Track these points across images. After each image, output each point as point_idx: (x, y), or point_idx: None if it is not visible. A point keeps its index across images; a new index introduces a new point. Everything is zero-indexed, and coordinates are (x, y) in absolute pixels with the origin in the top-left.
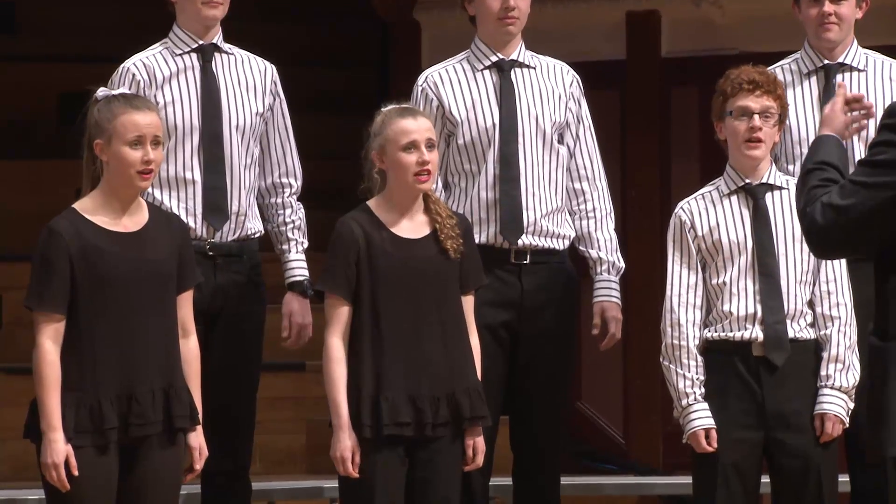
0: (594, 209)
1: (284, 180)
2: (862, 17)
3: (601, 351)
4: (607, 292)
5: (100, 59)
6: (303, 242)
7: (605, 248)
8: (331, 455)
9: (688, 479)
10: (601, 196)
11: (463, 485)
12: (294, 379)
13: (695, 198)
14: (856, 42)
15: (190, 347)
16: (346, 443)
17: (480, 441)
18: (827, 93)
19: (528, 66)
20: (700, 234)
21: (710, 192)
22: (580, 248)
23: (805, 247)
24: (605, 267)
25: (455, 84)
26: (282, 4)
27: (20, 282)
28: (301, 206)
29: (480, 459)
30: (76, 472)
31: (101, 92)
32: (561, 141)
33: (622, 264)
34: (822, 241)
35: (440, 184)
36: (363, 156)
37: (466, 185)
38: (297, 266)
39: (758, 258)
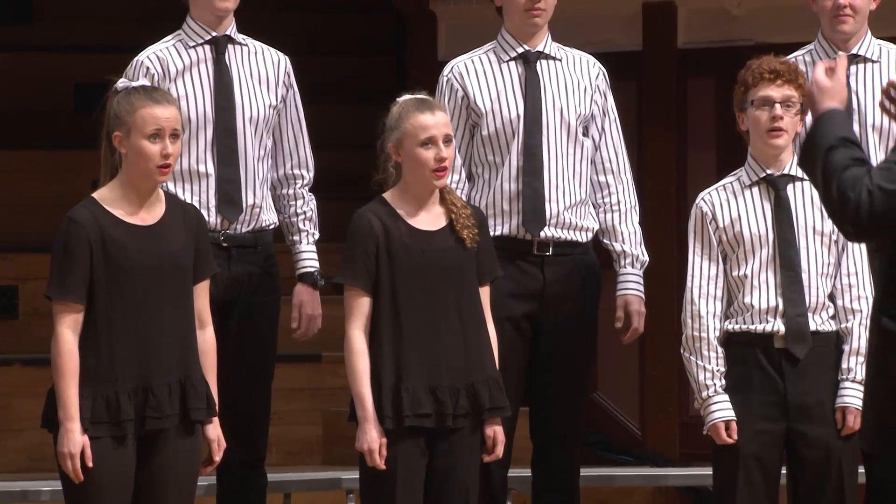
0: (619, 202)
1: (297, 171)
2: (876, 9)
3: (619, 342)
4: (631, 286)
5: (116, 49)
6: (314, 234)
7: (630, 242)
8: (357, 447)
9: (703, 471)
10: (626, 189)
11: (482, 475)
12: (310, 370)
13: (716, 189)
14: (869, 33)
15: (206, 338)
16: (372, 434)
17: (500, 431)
18: None
19: (554, 58)
20: (721, 225)
21: (731, 182)
22: (604, 240)
23: (825, 240)
24: (628, 260)
25: (480, 75)
26: None
27: (37, 272)
28: (313, 197)
29: (500, 450)
30: (90, 464)
31: (122, 83)
32: (586, 133)
33: (646, 258)
34: (874, 225)
35: (464, 174)
36: (378, 147)
37: (490, 176)
38: (308, 257)
39: (779, 251)
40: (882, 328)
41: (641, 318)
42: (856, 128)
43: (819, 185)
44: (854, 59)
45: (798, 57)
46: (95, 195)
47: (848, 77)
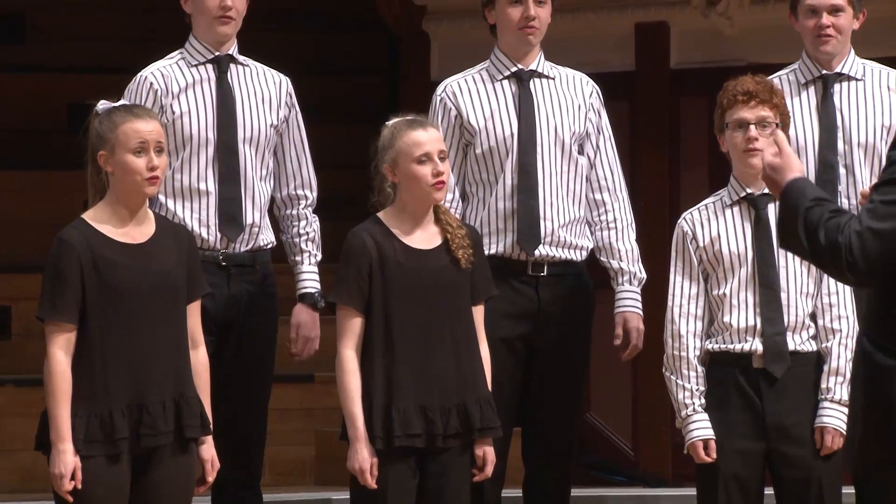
0: (616, 219)
1: (300, 192)
2: (859, 28)
3: (613, 361)
4: (629, 303)
5: (108, 70)
6: (316, 255)
7: (627, 259)
8: (348, 466)
9: (695, 491)
10: (622, 207)
11: (475, 496)
12: (303, 390)
13: (698, 208)
14: (853, 52)
15: (199, 359)
16: (363, 454)
17: (491, 451)
18: (825, 102)
19: (547, 77)
20: (702, 244)
21: (713, 202)
22: (601, 258)
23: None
24: (626, 277)
25: (474, 93)
26: (291, 14)
27: (29, 292)
28: (316, 218)
29: (490, 470)
30: (80, 486)
31: (102, 105)
32: (581, 151)
33: (644, 275)
34: (870, 267)
35: (457, 193)
36: (373, 169)
37: (484, 194)
38: (309, 278)
39: (758, 270)
40: (872, 359)
41: (640, 334)
42: (841, 146)
43: (805, 247)
44: (838, 77)
45: (783, 76)
46: (85, 216)
47: (832, 95)
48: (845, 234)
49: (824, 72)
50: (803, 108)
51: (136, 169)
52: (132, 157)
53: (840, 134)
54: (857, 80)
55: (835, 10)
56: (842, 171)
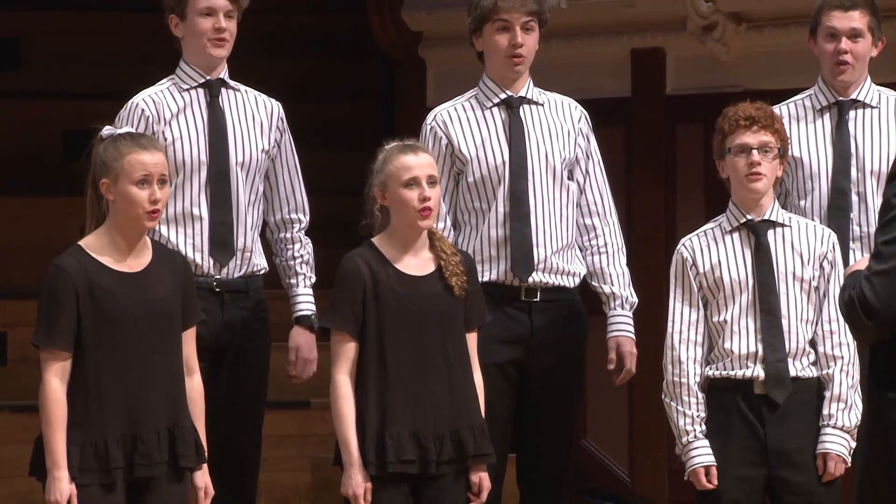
0: (606, 244)
1: (293, 216)
2: (877, 55)
3: (609, 387)
4: (622, 327)
5: (104, 96)
6: (311, 277)
7: (619, 283)
8: (342, 492)
9: None
10: (612, 231)
11: None
12: (298, 416)
13: (697, 235)
14: (869, 79)
15: (194, 386)
16: (357, 479)
17: (486, 478)
18: (840, 129)
19: (536, 103)
20: (702, 271)
21: (712, 228)
22: (593, 283)
23: (805, 286)
24: (618, 302)
25: (464, 122)
26: (287, 39)
27: (24, 319)
28: (309, 241)
29: (485, 497)
30: None
31: (107, 130)
32: (571, 177)
33: (635, 299)
34: (886, 309)
35: (449, 221)
36: (365, 192)
37: (477, 222)
38: (305, 300)
39: (759, 296)
40: (883, 398)
41: (633, 358)
42: (854, 173)
43: (844, 317)
44: (853, 104)
45: (798, 101)
46: (82, 243)
47: (847, 122)
48: (856, 287)
49: (840, 98)
50: (818, 135)
51: (139, 201)
52: (135, 189)
53: (854, 161)
54: (872, 107)
55: (854, 35)
56: (854, 198)
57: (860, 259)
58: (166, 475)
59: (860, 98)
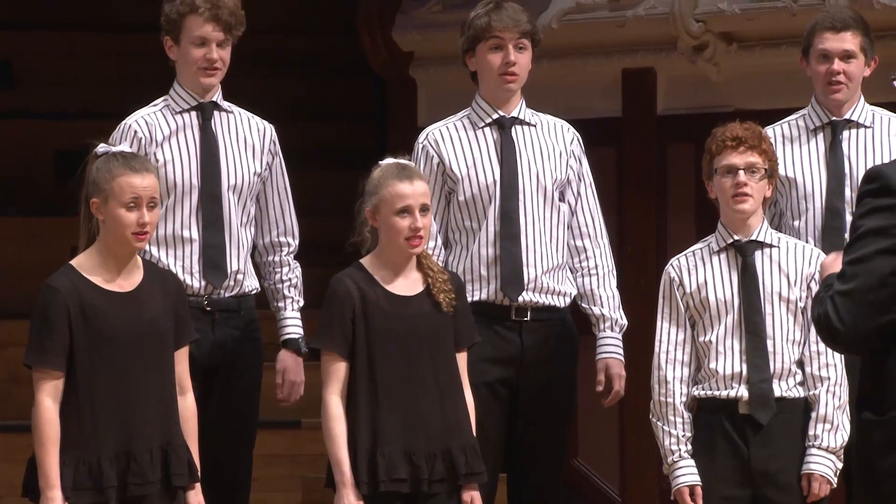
0: (596, 266)
1: (282, 239)
2: (870, 75)
3: (599, 408)
4: (611, 349)
5: (96, 116)
6: (299, 301)
7: (608, 305)
8: None
9: None
10: (603, 253)
11: None
12: (289, 436)
13: (685, 255)
14: (862, 98)
15: (187, 405)
16: (350, 498)
17: (477, 497)
18: (833, 149)
19: (528, 124)
20: (688, 291)
21: (700, 249)
22: (582, 305)
23: (792, 306)
24: (608, 324)
25: (456, 141)
26: (279, 60)
27: (16, 339)
28: (298, 265)
29: None
30: None
31: (102, 148)
32: (562, 198)
33: (625, 321)
34: (851, 332)
35: (440, 240)
36: (356, 209)
37: (467, 241)
38: (292, 324)
39: (744, 316)
40: (861, 419)
41: (622, 380)
42: (848, 193)
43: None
44: (847, 124)
45: (791, 121)
46: (73, 262)
47: (840, 142)
48: (822, 305)
49: (833, 118)
50: (812, 155)
51: (127, 224)
52: (124, 212)
53: (848, 181)
54: (866, 127)
55: (847, 57)
56: (848, 218)
57: (831, 255)
58: (159, 494)
59: (854, 118)
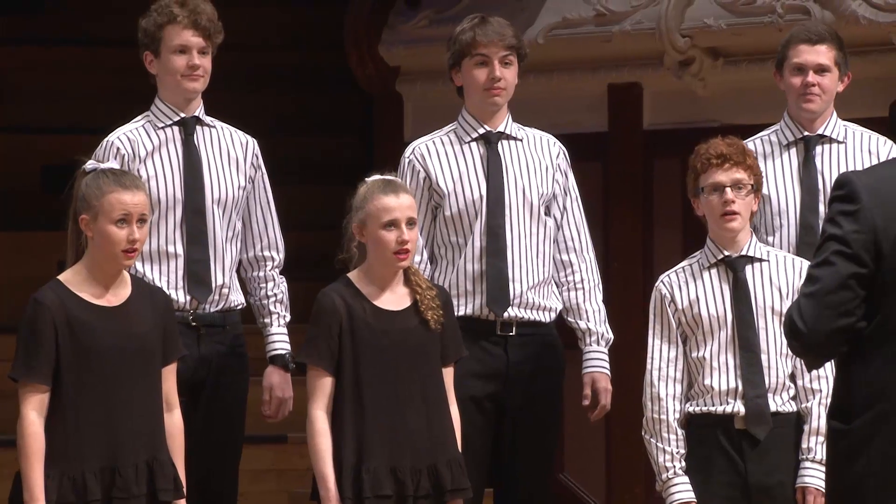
0: (582, 280)
1: (267, 253)
2: (843, 90)
3: (585, 422)
4: (597, 363)
5: (84, 130)
6: (285, 316)
7: (594, 320)
8: None
9: None
10: (589, 267)
11: None
12: (276, 451)
13: (675, 271)
14: (835, 114)
15: (174, 422)
16: None
17: None
18: (807, 164)
19: (514, 139)
20: (680, 307)
21: (690, 265)
22: (568, 319)
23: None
24: (594, 338)
25: (442, 156)
26: (265, 75)
27: (2, 353)
28: (283, 279)
29: None
30: None
31: (91, 164)
32: (548, 213)
33: (611, 335)
34: (812, 332)
35: (426, 255)
36: (343, 225)
37: (453, 256)
38: (279, 340)
39: (738, 332)
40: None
41: (608, 395)
42: (822, 208)
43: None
44: (820, 139)
45: (764, 137)
46: (61, 277)
47: (814, 157)
48: (789, 311)
49: (806, 133)
50: (785, 170)
51: (116, 240)
52: (113, 228)
53: (821, 197)
54: (839, 142)
55: (821, 70)
56: None
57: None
58: None
59: (827, 133)
